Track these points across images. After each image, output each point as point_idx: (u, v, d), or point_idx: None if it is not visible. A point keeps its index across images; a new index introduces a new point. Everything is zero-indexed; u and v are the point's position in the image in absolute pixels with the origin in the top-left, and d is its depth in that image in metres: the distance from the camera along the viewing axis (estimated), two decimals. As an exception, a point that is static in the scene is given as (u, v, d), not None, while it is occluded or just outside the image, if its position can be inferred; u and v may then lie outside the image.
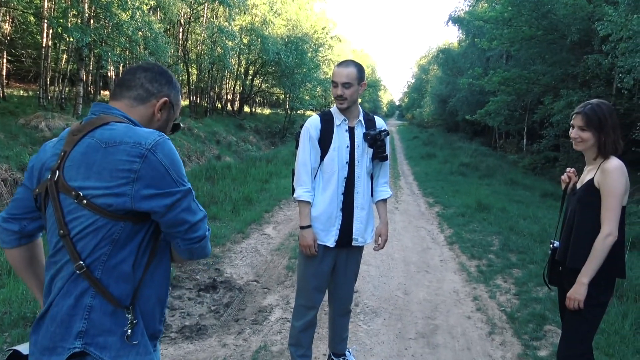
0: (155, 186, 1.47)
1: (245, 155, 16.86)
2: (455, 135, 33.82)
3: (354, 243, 3.15)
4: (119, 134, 1.50)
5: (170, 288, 5.03)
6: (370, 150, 3.14)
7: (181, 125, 1.87)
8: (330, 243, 3.10)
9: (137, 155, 1.46)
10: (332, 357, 3.51)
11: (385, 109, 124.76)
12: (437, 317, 4.71)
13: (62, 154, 1.52)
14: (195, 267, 5.62)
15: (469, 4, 27.71)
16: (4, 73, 16.55)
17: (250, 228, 7.46)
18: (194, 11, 20.49)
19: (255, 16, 24.02)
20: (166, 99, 1.67)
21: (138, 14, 11.89)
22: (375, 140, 3.09)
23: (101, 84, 23.48)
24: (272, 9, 24.00)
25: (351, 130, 3.12)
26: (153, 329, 1.61)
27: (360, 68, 3.07)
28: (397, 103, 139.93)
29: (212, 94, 25.23)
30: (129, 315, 1.50)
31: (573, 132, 2.74)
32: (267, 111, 37.32)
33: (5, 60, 16.54)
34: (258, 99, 36.51)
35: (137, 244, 1.53)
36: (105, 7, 11.24)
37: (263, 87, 29.69)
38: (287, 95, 28.76)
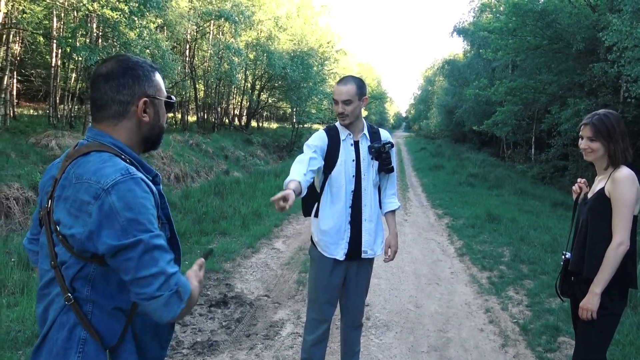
0: (100, 230, 1.36)
1: (254, 170, 16.90)
2: (462, 146, 33.78)
3: (363, 255, 3.16)
4: (88, 169, 1.42)
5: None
6: (376, 163, 3.16)
7: (173, 99, 1.70)
8: (340, 256, 3.11)
9: (93, 196, 1.37)
10: (345, 371, 3.49)
11: (392, 120, 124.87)
12: (449, 330, 4.68)
13: (54, 181, 1.48)
14: (206, 283, 5.63)
15: (474, 15, 27.81)
16: (15, 93, 16.75)
17: (260, 243, 7.47)
18: (200, 28, 20.70)
19: (261, 32, 24.22)
20: (144, 98, 1.55)
21: (145, 32, 12.05)
22: (380, 153, 3.12)
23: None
24: (277, 24, 24.19)
25: (356, 144, 3.16)
26: (155, 355, 1.60)
27: (360, 84, 3.10)
28: (404, 115, 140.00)
29: (219, 109, 25.39)
30: (110, 357, 1.46)
31: (582, 143, 2.75)
32: (274, 125, 37.48)
33: (15, 80, 16.75)
34: (265, 113, 36.71)
35: (115, 285, 1.46)
36: (113, 26, 11.40)
37: (270, 101, 29.84)
38: (294, 109, 28.89)
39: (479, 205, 11.27)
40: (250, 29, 23.19)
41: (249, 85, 26.79)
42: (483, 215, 9.88)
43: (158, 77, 1.62)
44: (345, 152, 3.13)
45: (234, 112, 29.91)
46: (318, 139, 3.13)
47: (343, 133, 3.16)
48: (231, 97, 28.10)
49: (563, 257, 2.95)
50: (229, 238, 7.53)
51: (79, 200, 1.38)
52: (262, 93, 27.48)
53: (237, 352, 4.11)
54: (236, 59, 20.31)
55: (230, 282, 5.75)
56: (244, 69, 24.07)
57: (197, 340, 4.34)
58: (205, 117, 24.92)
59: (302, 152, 3.15)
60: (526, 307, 5.27)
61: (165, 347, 1.64)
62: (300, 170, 2.83)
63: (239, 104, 29.52)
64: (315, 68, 26.42)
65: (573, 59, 15.91)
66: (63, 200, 1.42)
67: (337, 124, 3.20)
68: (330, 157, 3.11)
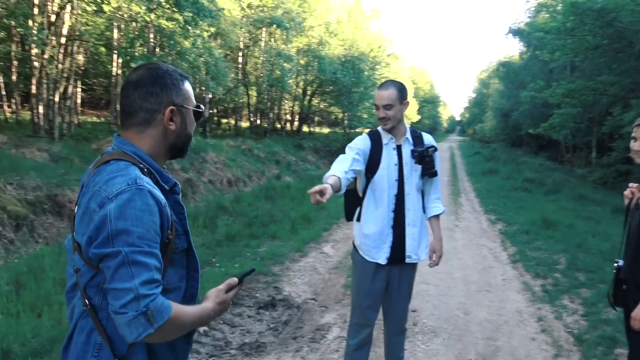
0: (94, 234, 1.38)
1: (305, 175, 17.06)
2: (519, 150, 32.81)
3: (407, 260, 3.14)
4: (102, 178, 1.44)
5: (230, 306, 5.15)
6: (419, 167, 3.14)
7: (202, 109, 1.70)
8: (382, 260, 3.10)
9: (99, 204, 1.39)
10: (389, 377, 3.47)
11: (445, 125, 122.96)
12: (499, 339, 4.57)
13: (81, 187, 1.52)
14: (255, 286, 5.73)
15: (530, 15, 27.05)
16: (79, 101, 17.61)
17: (308, 247, 7.53)
18: (253, 35, 21.11)
19: (312, 37, 24.46)
20: (171, 107, 1.56)
21: (199, 41, 12.41)
22: (423, 157, 3.10)
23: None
24: (328, 30, 24.37)
25: (399, 148, 3.14)
26: None
27: (401, 88, 3.09)
28: (458, 119, 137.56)
29: (271, 115, 25.79)
30: None
31: (636, 145, 2.64)
32: (325, 130, 37.64)
33: (79, 90, 17.62)
34: (317, 118, 36.96)
35: None
36: (169, 36, 11.82)
37: (321, 106, 30.04)
38: (345, 114, 28.95)
39: (535, 210, 10.92)
40: (302, 35, 23.45)
41: (301, 90, 27.06)
42: (538, 221, 9.57)
43: (187, 86, 1.63)
44: (388, 156, 3.13)
45: (285, 117, 30.29)
46: (361, 142, 3.15)
47: (385, 137, 3.15)
48: (283, 103, 28.46)
49: (615, 264, 2.84)
50: (278, 242, 7.62)
51: (89, 208, 1.41)
52: (313, 98, 27.69)
53: (283, 354, 4.16)
54: (287, 65, 20.58)
55: (279, 285, 5.82)
56: (295, 74, 24.36)
57: (245, 341, 4.42)
58: (258, 122, 25.36)
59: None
60: (581, 316, 5.07)
61: (182, 357, 1.63)
62: (342, 168, 2.84)
63: (291, 109, 29.85)
64: (366, 73, 26.42)
65: (636, 58, 15.17)
66: (79, 206, 1.46)
67: (380, 128, 3.20)
68: (373, 160, 3.11)
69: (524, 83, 27.76)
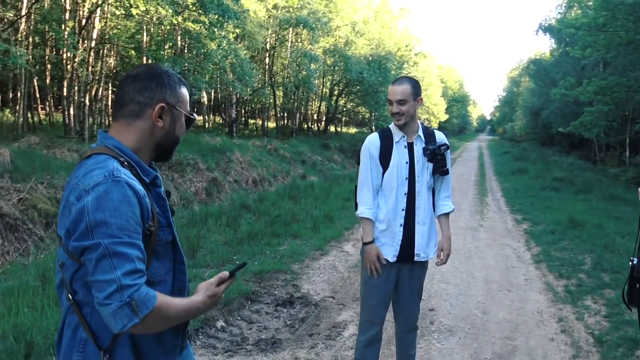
0: (71, 227, 1.39)
1: (330, 174, 17.09)
2: (549, 149, 32.18)
3: (416, 258, 3.14)
4: (81, 171, 1.46)
5: (249, 302, 5.23)
6: (431, 165, 3.13)
7: (194, 116, 1.71)
8: (391, 258, 3.11)
9: (76, 197, 1.41)
10: (400, 374, 3.48)
11: (475, 124, 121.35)
12: (517, 338, 4.52)
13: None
14: (274, 283, 5.79)
15: (560, 11, 26.48)
16: (109, 103, 18.04)
17: (329, 245, 7.55)
18: (279, 36, 21.26)
19: (339, 37, 24.48)
20: (161, 104, 1.57)
21: (225, 42, 12.57)
22: (435, 155, 3.09)
23: (196, 108, 24.88)
24: (354, 30, 24.35)
25: (410, 146, 3.14)
26: None
27: (415, 84, 3.09)
28: (488, 118, 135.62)
29: (298, 115, 25.91)
30: (105, 357, 1.47)
31: None
32: (352, 130, 37.62)
33: (110, 92, 18.04)
34: (344, 118, 36.97)
35: None
36: (195, 38, 12.01)
37: (348, 106, 30.04)
38: (372, 114, 28.87)
39: (563, 210, 10.71)
40: (328, 35, 23.50)
41: (327, 90, 27.11)
42: (565, 221, 9.38)
43: (184, 90, 1.66)
44: (399, 154, 3.13)
45: (312, 117, 30.39)
46: (372, 145, 3.16)
47: (397, 135, 3.16)
48: (310, 103, 28.57)
49: (630, 263, 2.79)
50: (299, 240, 7.67)
51: (68, 201, 1.42)
52: (340, 98, 27.71)
53: (298, 350, 4.20)
54: (313, 66, 20.66)
55: (298, 283, 5.87)
56: (321, 75, 24.43)
57: (261, 337, 4.48)
58: (285, 123, 25.52)
59: (358, 159, 3.24)
60: (604, 317, 4.97)
61: (171, 352, 1.61)
62: (370, 199, 3.17)
63: (317, 109, 29.93)
64: (393, 72, 26.30)
65: (671, 53, 14.75)
66: (63, 204, 1.48)
67: (391, 125, 3.21)
68: (383, 159, 3.13)
69: (555, 81, 27.20)
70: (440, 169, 3.15)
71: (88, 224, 1.35)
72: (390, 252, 3.12)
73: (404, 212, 3.12)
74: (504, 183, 17.27)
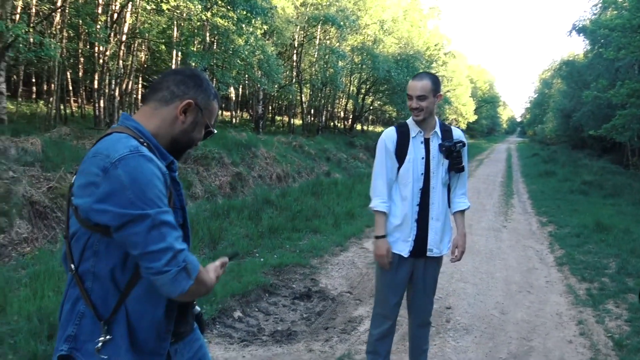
0: (106, 202, 1.41)
1: (354, 172, 17.08)
2: (580, 152, 31.50)
3: (428, 253, 3.14)
4: (103, 145, 1.49)
5: (266, 294, 5.30)
6: (446, 162, 3.13)
7: (214, 131, 1.78)
8: (405, 253, 3.12)
9: (101, 168, 1.43)
10: (413, 369, 3.49)
11: (505, 125, 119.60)
12: (534, 339, 4.47)
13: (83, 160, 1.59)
14: (293, 277, 5.85)
15: (595, 12, 25.87)
16: (139, 96, 18.39)
17: (349, 242, 7.58)
18: (307, 34, 21.31)
19: (367, 35, 24.41)
20: (190, 101, 1.64)
21: (252, 38, 12.68)
22: (451, 152, 3.08)
23: (224, 105, 25.15)
24: (382, 28, 24.25)
25: (427, 142, 3.14)
26: (151, 346, 1.59)
27: (435, 80, 3.09)
28: (519, 119, 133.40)
29: (324, 112, 25.94)
30: (105, 328, 1.51)
31: None
32: (379, 129, 37.49)
33: (140, 85, 18.39)
34: (370, 117, 36.86)
35: (119, 258, 1.50)
36: (223, 34, 12.15)
37: (375, 105, 29.94)
38: (399, 113, 28.70)
39: (590, 214, 10.50)
40: (356, 33, 23.46)
41: (354, 89, 27.07)
42: (592, 224, 9.20)
43: (215, 104, 1.74)
44: (415, 150, 3.13)
45: (339, 115, 30.38)
46: (388, 139, 3.17)
47: (414, 130, 3.16)
48: (336, 101, 28.57)
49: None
50: (319, 236, 7.71)
51: (90, 173, 1.44)
52: (367, 97, 27.64)
53: (313, 343, 4.24)
54: (341, 63, 20.65)
55: (316, 278, 5.91)
56: (349, 72, 24.40)
57: (277, 329, 4.54)
58: (311, 120, 25.58)
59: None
60: (625, 321, 4.87)
61: (164, 338, 1.63)
62: (384, 193, 3.16)
63: (344, 107, 29.92)
64: (421, 71, 26.08)
65: None
66: (79, 173, 1.51)
67: (409, 120, 3.21)
68: (399, 153, 3.13)
69: (588, 83, 26.60)
70: (456, 166, 3.15)
71: (128, 197, 1.40)
72: (404, 247, 3.14)
73: (418, 207, 3.13)
74: (531, 185, 17.01)
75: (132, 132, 1.56)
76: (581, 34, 25.35)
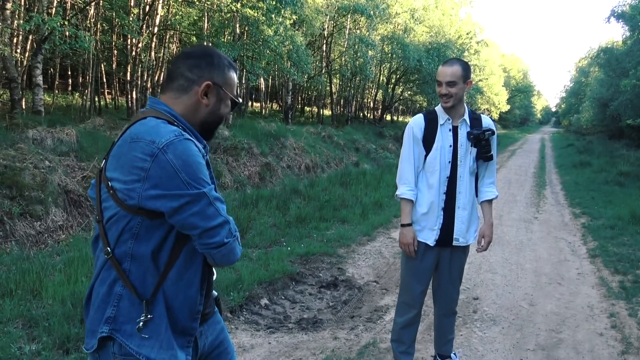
0: (161, 187, 1.46)
1: (383, 162, 17.01)
2: (618, 142, 30.58)
3: (454, 243, 3.12)
4: (143, 130, 1.52)
5: (293, 283, 5.35)
6: (474, 150, 3.09)
7: (239, 100, 1.79)
8: (431, 242, 3.11)
9: (148, 154, 1.46)
10: (437, 358, 3.49)
11: (539, 115, 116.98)
12: (563, 331, 4.41)
13: (112, 144, 1.61)
14: (319, 265, 5.88)
15: (636, -4, 24.94)
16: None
17: (377, 231, 7.57)
18: (337, 23, 21.21)
19: (397, 25, 24.14)
20: (208, 82, 1.65)
21: (282, 29, 12.70)
22: (479, 140, 3.04)
23: (253, 95, 25.30)
24: (413, 17, 23.94)
25: (455, 130, 3.10)
26: (183, 325, 1.63)
27: (465, 66, 3.04)
28: (553, 109, 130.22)
29: (354, 103, 25.82)
30: (146, 308, 1.55)
31: None
32: (409, 119, 37.06)
33: (171, 77, 18.63)
34: (400, 107, 36.53)
35: (158, 240, 1.55)
36: (252, 24, 12.21)
37: (405, 95, 29.64)
38: (430, 103, 28.36)
39: (625, 205, 10.20)
40: (387, 22, 23.22)
41: (384, 78, 26.84)
42: (627, 216, 8.96)
43: (232, 74, 1.73)
44: (443, 137, 3.11)
45: (369, 105, 30.21)
46: (416, 126, 3.16)
47: (442, 117, 3.13)
48: (366, 91, 28.40)
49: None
50: (347, 225, 7.73)
51: (134, 158, 1.47)
52: (397, 86, 27.39)
53: (338, 331, 4.27)
54: (370, 52, 20.49)
55: (343, 267, 5.93)
56: (378, 62, 24.20)
57: (303, 316, 4.59)
58: (341, 111, 25.51)
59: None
60: (659, 315, 4.76)
61: (195, 318, 1.67)
62: (411, 181, 3.16)
63: (374, 97, 29.73)
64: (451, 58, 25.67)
65: None
66: (117, 157, 1.53)
67: (438, 107, 3.18)
68: (427, 141, 3.11)
69: (626, 71, 25.75)
70: (484, 155, 3.11)
71: (183, 179, 1.47)
72: (430, 235, 3.12)
73: (445, 195, 3.11)
74: (564, 176, 16.63)
75: (167, 116, 1.60)
76: (620, 20, 24.52)
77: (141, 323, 1.53)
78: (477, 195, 3.23)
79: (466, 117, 3.14)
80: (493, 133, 3.14)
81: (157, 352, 1.55)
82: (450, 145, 3.11)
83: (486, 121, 3.21)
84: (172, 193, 1.47)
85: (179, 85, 1.65)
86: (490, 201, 3.25)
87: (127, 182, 1.49)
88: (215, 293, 1.87)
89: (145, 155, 1.46)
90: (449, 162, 3.10)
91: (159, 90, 15.01)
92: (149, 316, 1.55)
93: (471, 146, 3.11)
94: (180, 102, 1.65)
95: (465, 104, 3.18)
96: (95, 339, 1.54)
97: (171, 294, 1.59)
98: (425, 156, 3.13)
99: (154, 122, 1.55)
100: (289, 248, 6.27)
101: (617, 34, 69.91)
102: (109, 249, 1.55)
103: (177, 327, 1.61)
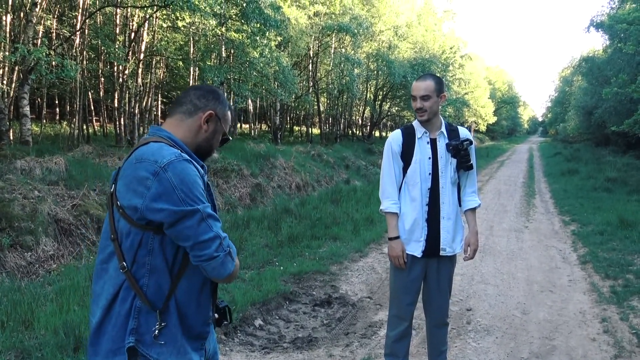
0: (161, 201, 1.62)
1: (374, 178, 17.09)
2: (604, 149, 30.93)
3: (442, 253, 3.17)
4: (148, 152, 1.69)
5: (287, 302, 5.35)
6: (454, 161, 3.16)
7: (230, 138, 2.02)
8: (417, 253, 3.16)
9: (151, 172, 1.63)
10: (432, 370, 3.50)
11: (526, 125, 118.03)
12: (557, 338, 4.44)
13: (118, 169, 1.78)
14: (313, 284, 5.89)
15: (613, 6, 25.50)
16: (159, 113, 18.71)
17: (369, 247, 7.59)
18: (322, 43, 21.45)
19: (382, 42, 24.45)
20: (212, 111, 1.87)
21: (267, 50, 12.84)
22: (458, 150, 3.12)
23: (242, 117, 25.43)
24: (396, 34, 24.28)
25: (433, 142, 3.18)
26: (197, 330, 1.79)
27: (438, 81, 3.15)
28: (540, 119, 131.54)
29: (342, 120, 26.00)
30: (159, 317, 1.69)
31: None
32: (398, 135, 37.32)
33: (159, 102, 18.72)
34: (389, 123, 36.79)
35: (171, 253, 1.71)
36: (238, 47, 12.34)
37: (393, 110, 29.90)
38: (417, 118, 28.54)
39: (613, 211, 10.32)
40: (371, 39, 23.52)
41: (371, 95, 27.09)
42: (615, 221, 9.06)
43: (229, 114, 1.98)
44: (421, 150, 3.18)
45: (357, 123, 30.41)
46: (394, 141, 3.24)
47: (419, 131, 3.21)
48: (354, 108, 28.62)
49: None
50: (339, 242, 7.74)
51: (139, 177, 1.65)
52: (384, 103, 27.63)
53: (333, 348, 4.28)
54: (357, 70, 20.72)
55: (336, 284, 5.94)
56: (365, 79, 24.45)
57: (298, 335, 4.58)
58: (329, 129, 25.66)
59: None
60: (650, 318, 4.80)
61: (208, 323, 1.84)
62: (394, 194, 3.22)
63: (361, 114, 29.95)
64: (437, 75, 25.99)
65: None
66: (124, 178, 1.70)
67: (414, 122, 3.27)
68: (406, 155, 3.19)
69: (608, 79, 26.16)
70: (464, 164, 3.18)
71: (179, 196, 1.63)
72: (416, 247, 3.17)
73: (427, 207, 3.16)
74: (553, 184, 16.80)
75: (167, 141, 1.78)
76: (599, 30, 25.00)
77: (156, 330, 1.68)
78: (460, 205, 3.29)
79: (443, 129, 3.23)
80: (471, 143, 3.22)
81: (176, 357, 1.71)
82: (430, 158, 3.18)
83: (463, 132, 3.29)
84: (169, 207, 1.62)
85: (186, 109, 1.87)
86: (473, 210, 3.32)
87: (131, 199, 1.65)
88: (225, 302, 1.99)
89: (148, 173, 1.64)
90: (429, 174, 3.17)
91: (147, 116, 15.07)
92: (162, 324, 1.69)
93: (451, 157, 3.19)
94: (184, 125, 1.86)
95: (441, 117, 3.26)
96: (122, 355, 1.66)
97: (184, 302, 1.74)
98: (406, 170, 3.19)
99: (157, 145, 1.72)
100: (281, 267, 6.27)
101: (597, 42, 71.09)
102: (124, 263, 1.68)
103: (193, 332, 1.77)
